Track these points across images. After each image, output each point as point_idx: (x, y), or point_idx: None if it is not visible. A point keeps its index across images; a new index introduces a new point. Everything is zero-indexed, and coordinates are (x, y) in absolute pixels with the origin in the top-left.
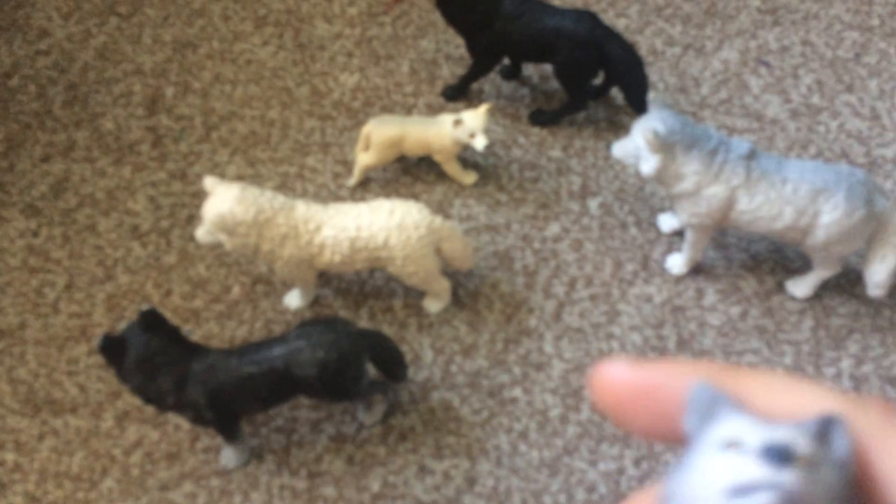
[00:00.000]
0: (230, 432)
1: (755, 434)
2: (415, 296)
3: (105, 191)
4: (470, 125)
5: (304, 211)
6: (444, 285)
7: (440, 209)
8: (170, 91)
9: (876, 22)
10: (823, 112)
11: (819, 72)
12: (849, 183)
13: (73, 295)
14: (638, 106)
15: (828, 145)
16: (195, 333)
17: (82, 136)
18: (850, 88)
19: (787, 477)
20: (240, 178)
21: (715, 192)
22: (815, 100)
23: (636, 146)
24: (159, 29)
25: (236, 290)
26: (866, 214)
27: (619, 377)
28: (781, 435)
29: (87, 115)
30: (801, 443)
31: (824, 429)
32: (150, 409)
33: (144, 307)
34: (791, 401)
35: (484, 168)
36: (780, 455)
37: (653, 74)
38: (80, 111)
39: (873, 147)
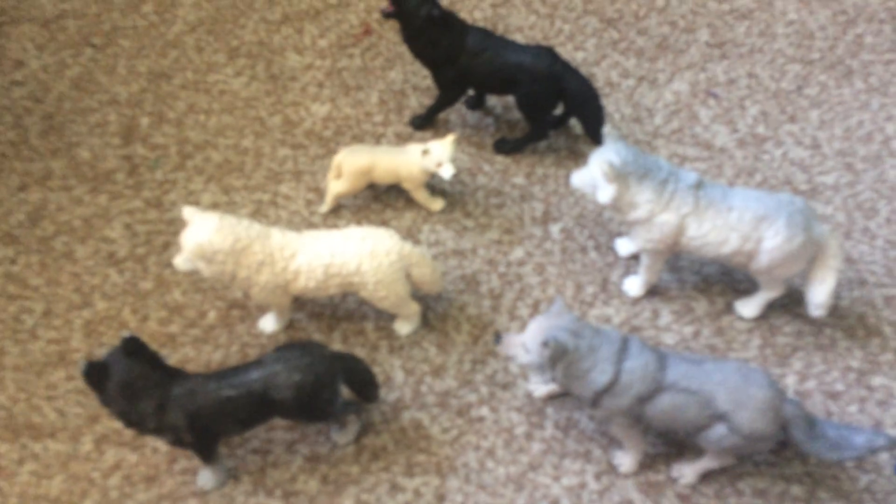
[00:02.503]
0: (208, 454)
1: None
2: (386, 319)
3: (82, 218)
4: (437, 155)
5: (280, 239)
6: (414, 308)
7: (409, 235)
8: (145, 121)
9: (816, 55)
10: (768, 141)
11: (764, 103)
12: (788, 211)
13: (51, 321)
14: (595, 136)
15: (772, 173)
16: (171, 358)
17: (59, 165)
18: (792, 119)
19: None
20: (214, 205)
21: (666, 219)
22: (761, 129)
23: (593, 176)
24: (134, 60)
25: (212, 315)
26: (805, 240)
27: None
28: None
29: (64, 145)
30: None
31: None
32: (128, 433)
33: (126, 333)
34: None
35: (451, 195)
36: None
37: (609, 105)
38: (56, 140)
39: (814, 175)
